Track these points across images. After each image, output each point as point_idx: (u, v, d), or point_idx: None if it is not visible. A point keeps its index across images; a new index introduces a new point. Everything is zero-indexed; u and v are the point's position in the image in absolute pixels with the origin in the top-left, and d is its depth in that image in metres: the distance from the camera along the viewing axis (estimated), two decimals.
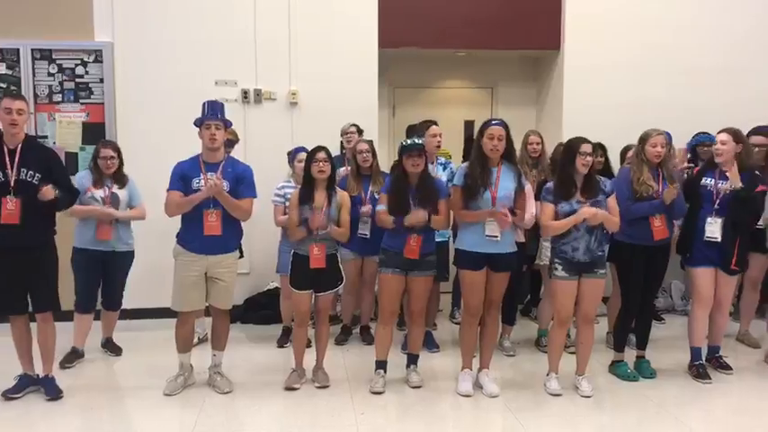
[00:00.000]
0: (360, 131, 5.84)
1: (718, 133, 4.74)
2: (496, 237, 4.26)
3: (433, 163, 5.17)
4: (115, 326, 5.36)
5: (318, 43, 6.30)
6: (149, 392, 4.47)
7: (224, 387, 4.51)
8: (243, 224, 4.56)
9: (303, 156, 4.82)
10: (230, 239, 4.46)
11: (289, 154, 5.47)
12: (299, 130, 6.20)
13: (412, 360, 4.69)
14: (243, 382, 4.65)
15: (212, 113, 4.32)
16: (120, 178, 5.11)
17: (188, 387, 4.55)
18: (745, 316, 5.65)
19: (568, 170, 4.33)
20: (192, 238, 4.35)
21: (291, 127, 6.28)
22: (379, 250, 4.52)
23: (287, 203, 4.89)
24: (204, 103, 4.36)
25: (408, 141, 4.45)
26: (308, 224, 4.35)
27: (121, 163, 5.12)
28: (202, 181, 4.29)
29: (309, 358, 4.71)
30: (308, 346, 4.82)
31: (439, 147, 5.28)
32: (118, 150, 5.10)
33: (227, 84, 6.27)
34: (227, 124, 4.45)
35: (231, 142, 5.08)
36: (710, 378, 4.73)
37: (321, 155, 4.43)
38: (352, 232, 4.79)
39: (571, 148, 4.34)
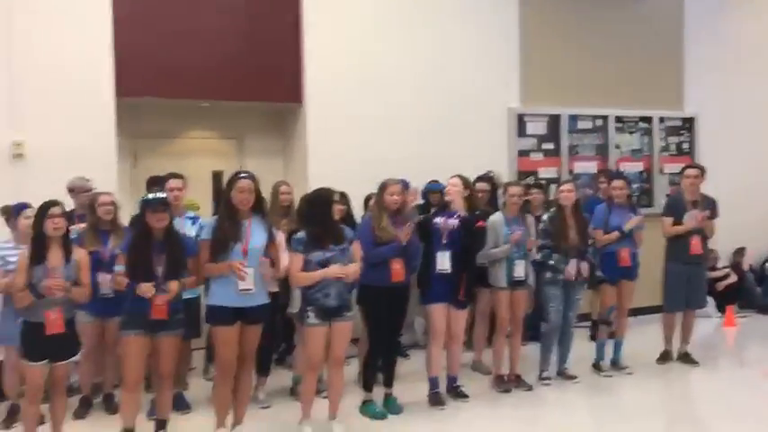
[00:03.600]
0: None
1: (451, 178, 5.36)
2: (250, 289, 4.23)
3: (180, 217, 5.02)
4: None
5: (47, 91, 5.83)
6: None
7: None
8: None
9: (30, 213, 4.41)
10: None
11: (4, 212, 4.97)
12: (25, 186, 5.54)
13: (161, 425, 4.43)
14: None
15: None
16: None
17: None
18: (477, 346, 6.23)
19: (323, 219, 4.47)
20: None
21: (16, 182, 5.66)
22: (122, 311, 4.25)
23: (8, 267, 4.44)
24: None
25: (151, 195, 4.28)
26: (37, 289, 3.96)
27: None
28: None
29: None
30: (42, 422, 4.35)
31: (177, 199, 5.10)
32: None
33: None
34: None
35: None
36: (444, 404, 5.19)
37: (56, 210, 4.12)
38: (93, 292, 4.43)
39: (323, 197, 4.52)
